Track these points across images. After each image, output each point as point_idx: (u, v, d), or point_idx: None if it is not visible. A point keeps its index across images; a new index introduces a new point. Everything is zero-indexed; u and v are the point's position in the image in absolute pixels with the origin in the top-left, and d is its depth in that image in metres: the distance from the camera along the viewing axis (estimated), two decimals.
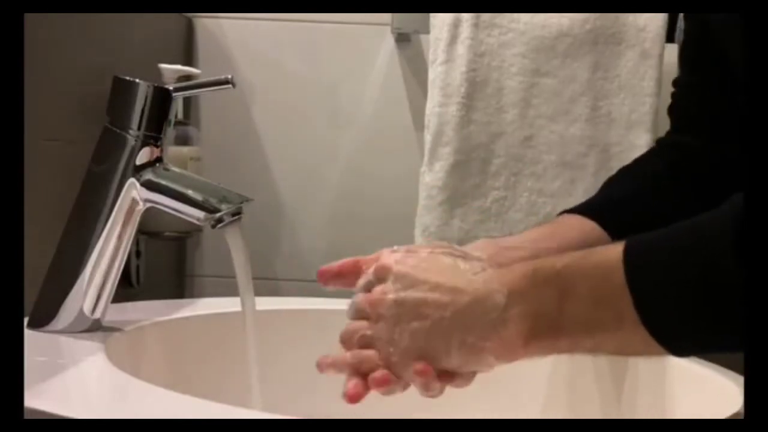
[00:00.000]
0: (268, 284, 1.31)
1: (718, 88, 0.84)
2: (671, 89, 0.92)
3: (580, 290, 0.57)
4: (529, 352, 0.60)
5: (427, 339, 0.62)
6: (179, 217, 0.75)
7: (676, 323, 0.55)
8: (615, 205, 0.83)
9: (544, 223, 0.87)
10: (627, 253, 0.56)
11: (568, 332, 0.58)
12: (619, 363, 0.82)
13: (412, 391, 0.69)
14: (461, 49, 1.14)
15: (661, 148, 0.91)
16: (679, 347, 0.56)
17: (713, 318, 0.54)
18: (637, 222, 0.73)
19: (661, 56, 1.14)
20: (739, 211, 0.52)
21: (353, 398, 0.65)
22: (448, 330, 0.61)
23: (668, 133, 0.92)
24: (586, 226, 0.80)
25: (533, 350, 0.59)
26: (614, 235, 0.79)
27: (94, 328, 0.76)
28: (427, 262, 0.64)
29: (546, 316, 0.58)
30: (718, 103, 0.85)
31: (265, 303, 0.81)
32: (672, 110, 0.92)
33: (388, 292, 0.64)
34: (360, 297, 0.66)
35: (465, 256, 0.65)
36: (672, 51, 1.04)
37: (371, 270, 0.67)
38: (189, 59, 1.31)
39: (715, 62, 0.82)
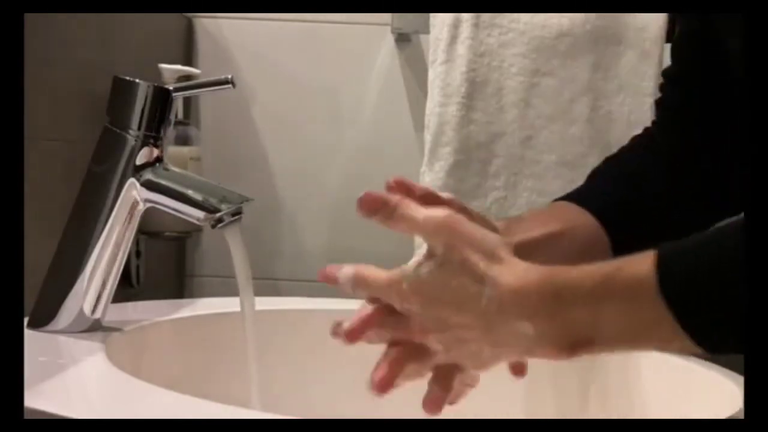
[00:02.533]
0: (268, 284, 1.31)
1: (714, 83, 0.83)
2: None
3: (614, 310, 0.57)
4: (571, 358, 0.59)
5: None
6: (179, 217, 0.75)
7: (714, 330, 0.55)
8: (615, 205, 0.82)
9: (545, 209, 0.85)
10: (659, 265, 0.56)
11: (607, 345, 0.58)
12: (619, 363, 0.82)
13: (412, 391, 0.69)
14: (461, 49, 1.14)
15: (644, 141, 0.88)
16: (719, 349, 0.56)
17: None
18: (637, 225, 0.72)
19: (661, 56, 1.14)
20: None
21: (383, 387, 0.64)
22: (484, 353, 0.62)
23: (656, 125, 0.90)
24: (587, 219, 0.80)
25: (575, 357, 0.59)
26: (613, 234, 0.79)
27: (94, 328, 0.76)
28: (435, 290, 0.61)
29: (581, 335, 0.58)
30: (710, 100, 0.84)
31: (265, 303, 0.81)
32: (661, 103, 0.89)
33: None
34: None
35: (474, 258, 0.61)
36: None
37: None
38: (189, 59, 1.31)
39: (712, 55, 0.82)
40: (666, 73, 0.89)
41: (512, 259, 0.61)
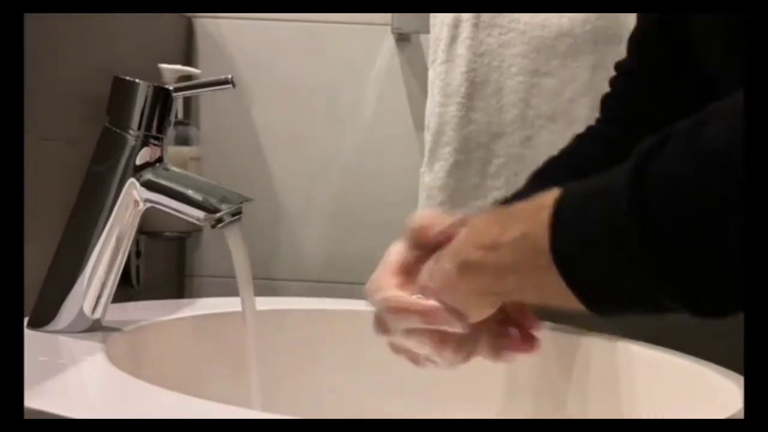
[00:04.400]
0: (268, 284, 1.31)
1: (671, 82, 0.83)
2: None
3: (516, 225, 0.58)
4: (463, 276, 0.61)
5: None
6: (179, 217, 0.75)
7: (583, 270, 0.55)
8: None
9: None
10: (558, 197, 0.56)
11: (502, 268, 0.59)
12: (618, 362, 0.82)
13: (412, 391, 0.69)
14: (461, 49, 1.14)
15: (593, 139, 0.89)
16: (586, 295, 0.55)
17: (616, 269, 0.53)
18: None
19: None
20: (639, 161, 0.52)
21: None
22: None
23: (604, 121, 0.90)
24: None
25: (467, 277, 0.61)
26: None
27: (94, 328, 0.76)
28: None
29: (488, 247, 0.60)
30: (664, 100, 0.84)
31: (265, 303, 0.81)
32: (610, 97, 0.89)
33: None
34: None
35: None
36: None
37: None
38: (189, 59, 1.31)
39: (673, 48, 0.81)
40: (620, 66, 0.89)
41: None
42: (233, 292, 0.78)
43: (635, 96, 0.87)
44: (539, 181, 0.86)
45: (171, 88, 0.77)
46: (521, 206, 0.60)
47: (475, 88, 1.14)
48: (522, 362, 0.84)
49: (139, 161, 0.75)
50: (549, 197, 0.57)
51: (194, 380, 0.79)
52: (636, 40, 0.88)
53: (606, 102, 0.90)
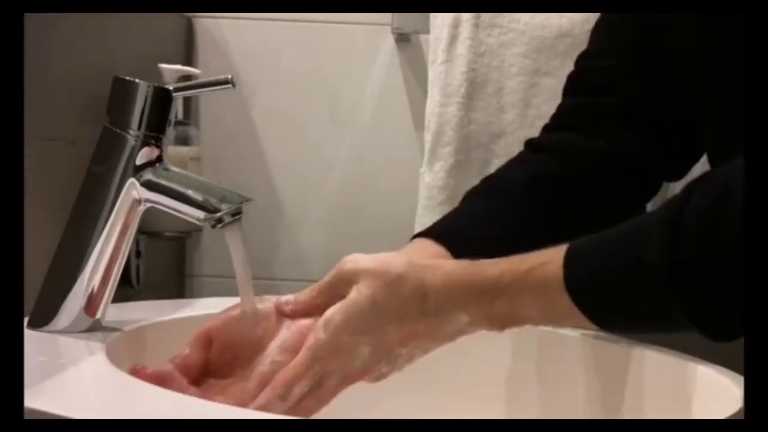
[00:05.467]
0: (268, 284, 1.31)
1: (636, 63, 0.82)
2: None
3: (529, 303, 0.64)
4: (503, 331, 0.67)
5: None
6: (179, 217, 0.75)
7: (612, 315, 0.63)
8: (466, 229, 0.81)
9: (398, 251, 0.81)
10: (565, 266, 0.63)
11: (532, 325, 0.67)
12: (619, 362, 0.82)
13: (411, 391, 0.69)
14: (461, 49, 1.14)
15: (531, 153, 0.88)
16: (620, 331, 0.69)
17: (644, 310, 0.62)
18: (486, 247, 0.71)
19: None
20: (673, 212, 0.58)
21: None
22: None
23: (547, 130, 0.89)
24: (438, 254, 0.78)
25: (507, 330, 0.67)
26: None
27: (94, 328, 0.76)
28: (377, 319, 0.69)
29: (506, 319, 0.66)
30: (630, 85, 0.83)
31: None
32: (574, 91, 0.89)
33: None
34: None
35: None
36: None
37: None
38: (189, 59, 1.31)
39: (639, 34, 0.81)
40: (581, 56, 0.89)
41: (434, 262, 0.68)
42: (233, 292, 0.77)
43: (597, 83, 0.86)
44: (465, 209, 0.86)
45: (171, 88, 0.77)
46: (520, 284, 0.64)
47: (475, 88, 1.14)
48: (521, 362, 0.84)
49: (139, 161, 0.75)
50: (550, 271, 0.63)
51: None
52: (601, 26, 0.89)
53: (562, 108, 0.90)
